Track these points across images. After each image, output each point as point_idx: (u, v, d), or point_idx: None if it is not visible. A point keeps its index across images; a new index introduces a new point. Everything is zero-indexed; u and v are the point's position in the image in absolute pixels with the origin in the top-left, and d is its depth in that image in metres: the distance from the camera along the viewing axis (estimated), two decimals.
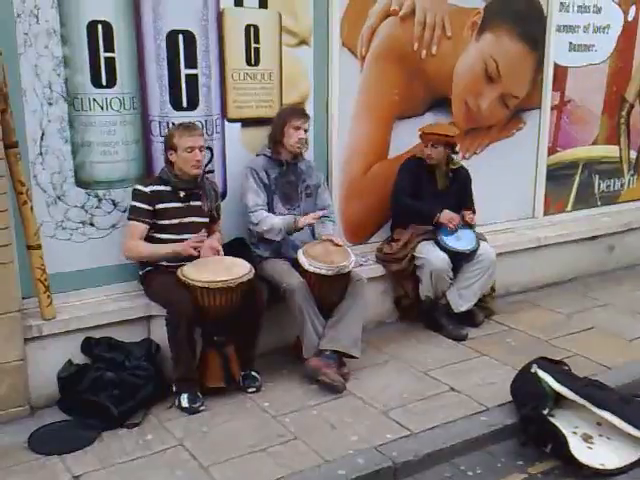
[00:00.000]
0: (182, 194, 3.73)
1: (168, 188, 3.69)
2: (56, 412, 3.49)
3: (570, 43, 5.58)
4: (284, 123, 3.94)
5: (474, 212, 4.70)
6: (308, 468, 3.05)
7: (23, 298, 3.53)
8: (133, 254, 3.69)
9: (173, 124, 3.82)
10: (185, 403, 3.51)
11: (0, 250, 3.27)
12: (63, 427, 3.38)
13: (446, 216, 4.50)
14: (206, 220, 3.83)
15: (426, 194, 4.59)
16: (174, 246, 3.64)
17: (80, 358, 3.59)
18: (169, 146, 3.65)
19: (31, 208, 3.43)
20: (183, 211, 3.74)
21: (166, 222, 3.69)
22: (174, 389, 3.58)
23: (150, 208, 3.64)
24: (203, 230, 3.71)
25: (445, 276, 4.45)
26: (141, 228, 3.64)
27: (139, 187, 3.66)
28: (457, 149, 4.69)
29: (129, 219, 3.66)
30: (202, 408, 3.52)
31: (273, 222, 3.91)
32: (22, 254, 3.48)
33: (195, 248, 3.61)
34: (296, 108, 4.11)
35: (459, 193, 4.71)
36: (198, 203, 3.79)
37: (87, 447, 3.20)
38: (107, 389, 3.42)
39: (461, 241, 4.51)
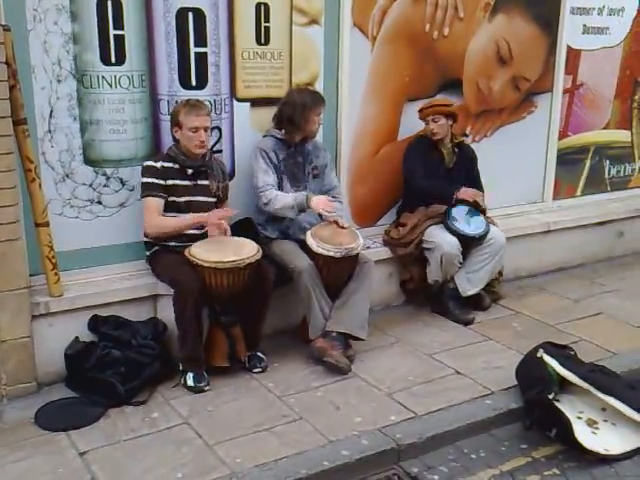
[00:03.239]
0: (190, 172, 3.71)
1: (176, 166, 3.68)
2: (62, 389, 3.52)
3: (584, 25, 5.50)
4: (309, 110, 3.89)
5: (482, 191, 4.67)
6: (312, 448, 3.06)
7: (31, 275, 3.54)
8: (157, 229, 3.64)
9: None
10: (191, 382, 3.53)
11: (8, 227, 3.28)
12: (69, 404, 3.41)
13: (465, 192, 4.47)
14: (213, 199, 3.82)
15: (435, 173, 4.55)
16: (197, 216, 3.64)
17: (87, 336, 3.61)
18: (174, 122, 3.64)
19: (39, 185, 3.43)
20: (190, 189, 3.73)
21: (177, 199, 3.68)
22: (180, 368, 3.60)
23: (163, 182, 3.62)
24: (231, 210, 3.72)
25: (455, 261, 4.43)
26: (159, 202, 3.62)
27: (149, 163, 3.65)
28: (467, 132, 4.65)
29: (144, 196, 3.63)
30: (207, 387, 3.54)
31: (285, 200, 3.88)
32: (30, 231, 3.48)
33: (220, 220, 3.59)
34: (316, 93, 4.04)
35: (467, 170, 4.68)
36: (205, 182, 3.77)
37: (93, 424, 3.23)
38: (113, 367, 3.45)
39: (471, 225, 4.48)
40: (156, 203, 3.62)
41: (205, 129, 3.61)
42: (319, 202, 3.86)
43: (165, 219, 3.64)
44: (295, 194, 3.92)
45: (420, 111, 4.56)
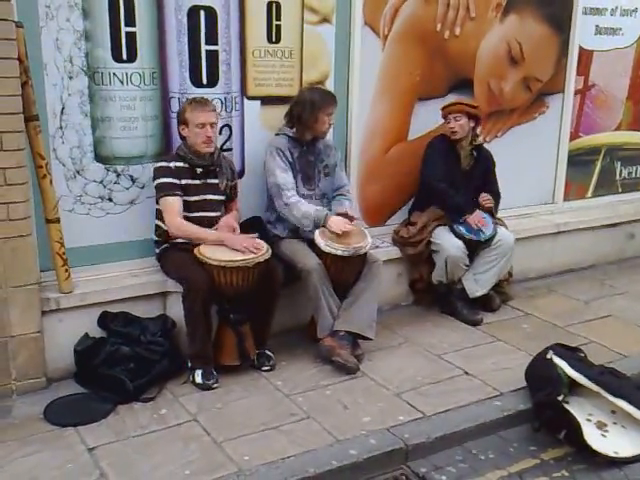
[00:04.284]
0: (199, 171, 3.72)
1: (186, 165, 3.68)
2: (72, 384, 3.53)
3: (596, 26, 5.48)
4: (318, 109, 3.88)
5: (499, 196, 4.67)
6: (320, 447, 3.06)
7: (41, 271, 3.56)
8: (180, 233, 3.63)
9: None
10: (199, 379, 3.53)
11: (19, 223, 3.29)
12: (79, 399, 3.42)
13: (475, 218, 4.44)
14: (222, 198, 3.83)
15: (452, 174, 4.52)
16: (221, 235, 3.63)
17: (96, 332, 3.62)
18: (181, 120, 3.64)
19: (50, 182, 3.45)
20: (200, 188, 3.73)
21: (185, 198, 3.68)
22: (189, 365, 3.60)
23: (178, 182, 3.63)
24: (256, 234, 3.74)
25: (460, 264, 4.42)
26: (178, 202, 3.62)
27: (163, 163, 3.65)
28: (478, 132, 4.63)
29: (162, 196, 3.61)
30: (215, 385, 3.54)
31: (306, 209, 3.84)
32: (41, 227, 3.50)
33: (245, 247, 3.56)
34: (328, 93, 4.03)
35: (484, 174, 4.65)
36: (215, 180, 3.77)
37: (102, 420, 3.23)
38: (123, 363, 3.46)
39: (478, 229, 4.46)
40: (175, 202, 3.61)
41: (211, 125, 3.61)
42: (338, 223, 3.82)
43: (190, 226, 3.63)
44: (316, 208, 3.89)
45: (443, 108, 4.53)
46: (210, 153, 3.70)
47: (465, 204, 4.48)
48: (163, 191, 3.62)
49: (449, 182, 4.49)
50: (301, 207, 3.86)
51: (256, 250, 3.57)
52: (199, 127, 3.59)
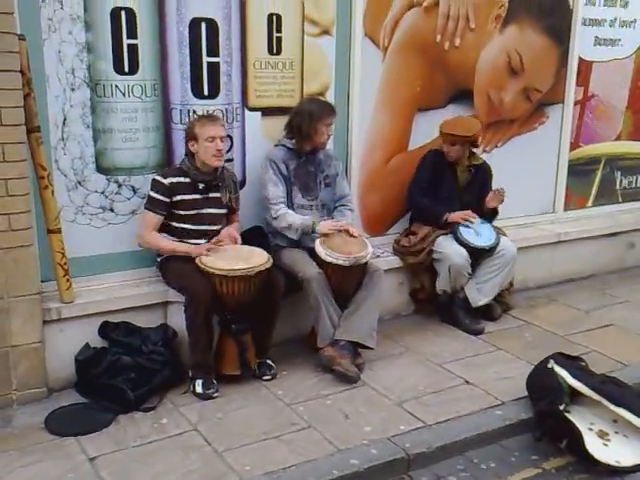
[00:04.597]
0: (201, 186, 3.73)
1: (187, 180, 3.70)
2: (73, 394, 3.53)
3: (596, 37, 5.51)
4: (317, 120, 3.90)
5: (497, 212, 4.68)
6: (321, 457, 3.06)
7: (42, 281, 3.56)
8: (150, 246, 3.72)
9: (194, 112, 3.84)
10: (199, 389, 3.54)
11: (21, 233, 3.31)
12: (79, 409, 3.42)
13: (455, 216, 4.48)
14: (224, 211, 3.85)
15: (446, 189, 4.56)
16: (189, 248, 3.68)
17: (98, 342, 3.63)
18: (191, 136, 3.66)
19: (52, 192, 3.46)
20: (201, 202, 3.75)
21: (183, 213, 3.71)
22: (190, 375, 3.60)
23: (167, 200, 3.66)
24: (222, 234, 3.78)
25: (464, 272, 4.42)
26: (156, 220, 3.67)
27: (158, 178, 3.67)
28: (478, 143, 4.65)
29: (146, 208, 3.69)
30: (216, 395, 3.54)
31: (292, 220, 3.90)
32: (42, 238, 3.51)
33: (208, 250, 3.64)
34: (326, 104, 4.05)
35: (480, 189, 4.66)
36: (217, 194, 3.79)
37: (103, 429, 3.23)
38: (124, 373, 3.46)
39: (480, 237, 4.47)
40: (154, 219, 3.67)
41: (221, 139, 3.64)
42: (325, 225, 3.90)
43: (160, 239, 3.69)
44: (303, 217, 3.93)
45: (439, 129, 4.54)
46: (216, 168, 3.71)
47: (440, 218, 4.50)
48: (148, 204, 3.68)
49: (444, 197, 4.53)
50: (288, 218, 3.90)
51: (227, 241, 3.69)
52: (209, 141, 3.61)
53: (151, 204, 3.67)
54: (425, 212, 4.58)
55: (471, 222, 4.48)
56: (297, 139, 3.98)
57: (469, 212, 4.52)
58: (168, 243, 3.71)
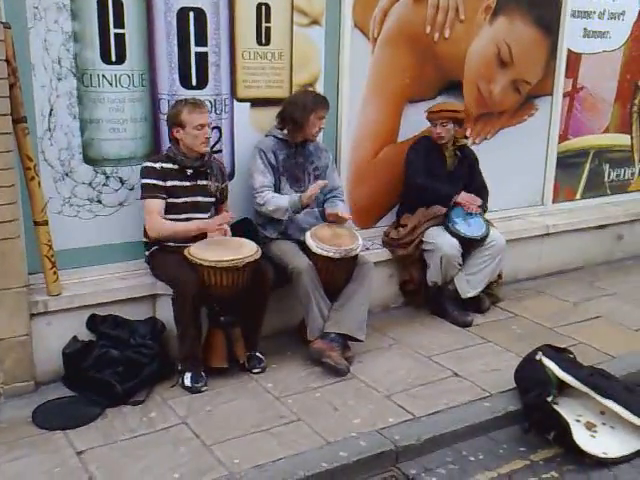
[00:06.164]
0: (189, 172, 3.70)
1: (175, 166, 3.67)
2: (60, 388, 3.51)
3: (585, 29, 5.51)
4: (310, 111, 3.88)
5: (487, 189, 4.71)
6: (310, 449, 3.06)
7: (29, 274, 3.53)
8: (159, 232, 3.62)
9: None
10: (188, 382, 3.52)
11: (7, 225, 3.27)
12: (67, 403, 3.40)
13: (465, 197, 4.49)
14: (212, 200, 3.82)
15: (437, 175, 4.56)
16: (199, 223, 3.65)
17: (85, 335, 3.61)
18: (176, 123, 3.61)
19: (38, 184, 3.43)
20: (189, 190, 3.72)
21: (172, 200, 3.67)
22: (178, 368, 3.59)
23: (163, 184, 3.62)
24: (230, 213, 3.75)
25: (455, 262, 4.43)
26: (159, 204, 3.61)
27: (149, 164, 3.64)
28: (467, 134, 4.65)
29: (144, 197, 3.61)
30: (204, 388, 3.53)
31: (279, 202, 3.88)
32: (29, 230, 3.48)
33: (220, 226, 3.64)
34: (321, 97, 4.03)
35: (468, 174, 4.68)
36: (205, 182, 3.76)
37: (91, 423, 3.21)
38: (112, 366, 3.44)
39: (471, 227, 4.48)
40: (157, 205, 3.61)
41: (208, 126, 3.62)
42: (309, 191, 3.87)
43: (167, 223, 3.63)
44: (289, 196, 3.92)
45: (428, 113, 4.56)
46: (203, 154, 3.68)
47: (449, 198, 4.50)
48: (146, 192, 3.62)
49: (434, 180, 4.52)
50: (274, 201, 3.88)
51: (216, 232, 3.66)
52: (198, 129, 3.57)
53: (148, 191, 3.60)
54: (432, 193, 4.53)
55: (475, 210, 4.49)
56: (289, 129, 3.96)
57: (475, 197, 4.53)
58: (180, 225, 3.65)
